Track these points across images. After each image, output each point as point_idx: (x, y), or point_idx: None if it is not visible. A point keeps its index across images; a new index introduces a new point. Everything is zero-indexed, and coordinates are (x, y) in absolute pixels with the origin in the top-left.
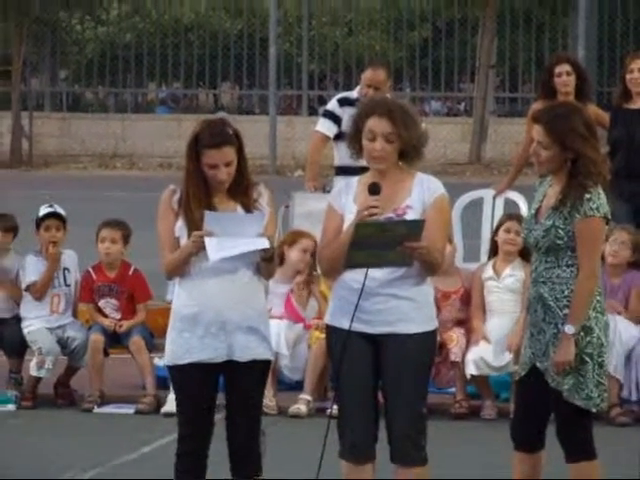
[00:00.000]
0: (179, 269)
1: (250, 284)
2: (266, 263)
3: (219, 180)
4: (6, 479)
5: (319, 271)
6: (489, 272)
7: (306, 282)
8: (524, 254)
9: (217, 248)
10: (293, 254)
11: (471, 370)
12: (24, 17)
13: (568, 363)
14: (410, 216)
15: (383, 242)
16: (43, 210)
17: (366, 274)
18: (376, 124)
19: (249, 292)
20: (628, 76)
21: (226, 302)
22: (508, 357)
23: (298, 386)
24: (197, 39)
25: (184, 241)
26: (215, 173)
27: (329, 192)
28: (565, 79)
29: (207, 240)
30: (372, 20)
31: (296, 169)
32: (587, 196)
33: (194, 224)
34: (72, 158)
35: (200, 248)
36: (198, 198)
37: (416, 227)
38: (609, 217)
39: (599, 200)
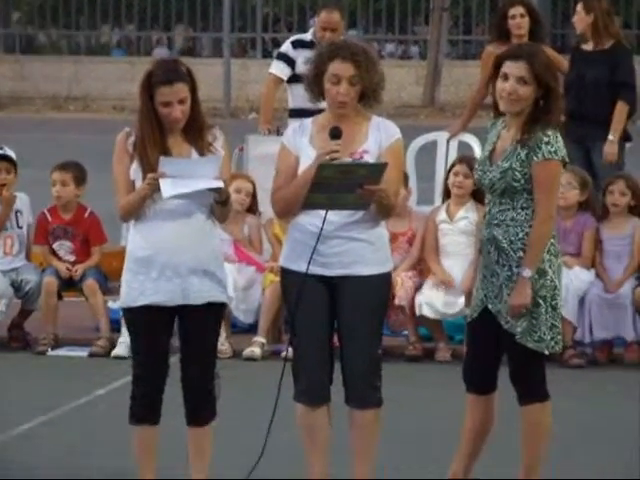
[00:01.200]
0: (134, 211)
1: (204, 227)
2: (220, 206)
3: (173, 118)
4: None
5: (272, 213)
6: (442, 215)
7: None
8: (478, 196)
9: (171, 187)
10: None
11: (424, 311)
12: None
13: (524, 306)
14: (366, 159)
15: (344, 185)
16: None
17: (325, 217)
18: (340, 67)
19: (203, 235)
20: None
21: (180, 245)
22: (461, 301)
23: (252, 329)
24: None
25: (139, 184)
26: (169, 111)
27: (282, 134)
28: (519, 21)
29: (161, 181)
30: None
31: (250, 112)
32: (545, 139)
33: (149, 167)
34: (25, 100)
35: (154, 190)
36: (153, 140)
37: (377, 171)
38: (567, 160)
39: (557, 143)
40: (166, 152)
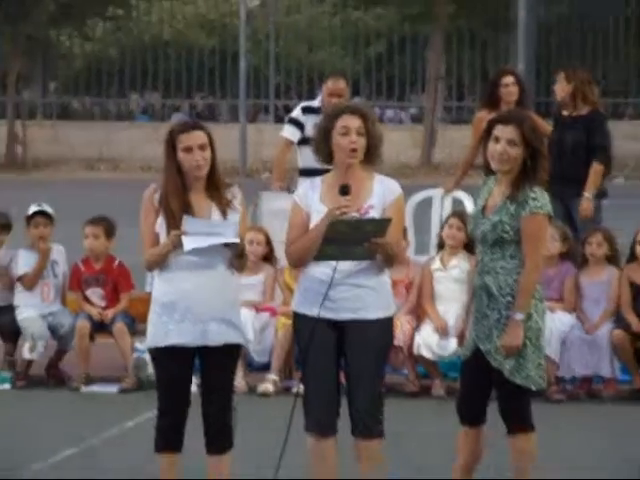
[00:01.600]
0: (158, 263)
1: (223, 277)
2: (237, 258)
3: (196, 164)
4: None
5: (283, 263)
6: (437, 264)
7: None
8: (469, 247)
9: (192, 242)
10: None
11: (421, 352)
12: (17, 35)
13: (517, 346)
14: (372, 214)
15: (353, 238)
16: (32, 208)
17: (335, 267)
18: (348, 120)
19: (222, 285)
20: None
21: (201, 295)
22: (454, 342)
23: (265, 368)
24: (174, 54)
25: (163, 236)
26: (191, 157)
27: (293, 192)
28: (511, 89)
29: (183, 238)
30: (332, 37)
31: (264, 171)
32: (532, 195)
33: (173, 221)
34: (61, 162)
35: (177, 245)
36: (176, 195)
37: (383, 225)
38: (552, 214)
39: (543, 199)
40: (188, 207)
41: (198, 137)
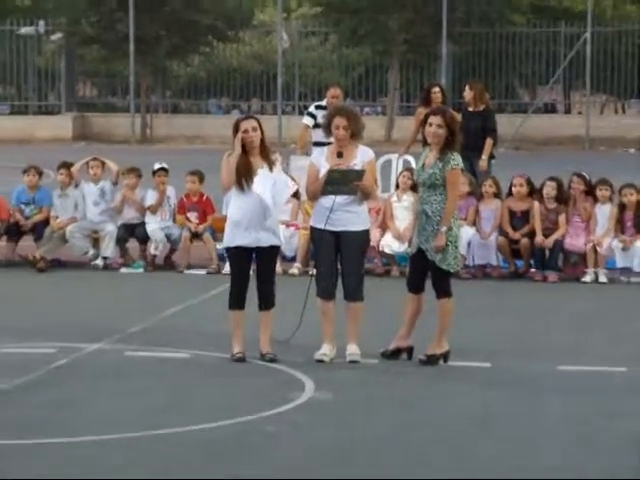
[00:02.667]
0: (229, 182)
1: (269, 205)
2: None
3: (250, 139)
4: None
5: (303, 198)
6: (394, 198)
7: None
8: (414, 188)
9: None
10: None
11: (385, 249)
12: (147, 64)
13: (442, 247)
14: (355, 168)
15: (343, 181)
16: (156, 165)
17: (334, 199)
18: (338, 121)
19: (269, 209)
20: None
21: (256, 214)
22: (405, 245)
23: (292, 259)
24: (240, 75)
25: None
26: (247, 135)
27: (309, 156)
28: (437, 95)
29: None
30: (332, 65)
31: (292, 144)
32: (452, 157)
33: (242, 169)
34: (173, 138)
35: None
36: (244, 155)
37: (360, 174)
38: (463, 168)
39: (458, 160)
40: (248, 164)
41: (251, 123)
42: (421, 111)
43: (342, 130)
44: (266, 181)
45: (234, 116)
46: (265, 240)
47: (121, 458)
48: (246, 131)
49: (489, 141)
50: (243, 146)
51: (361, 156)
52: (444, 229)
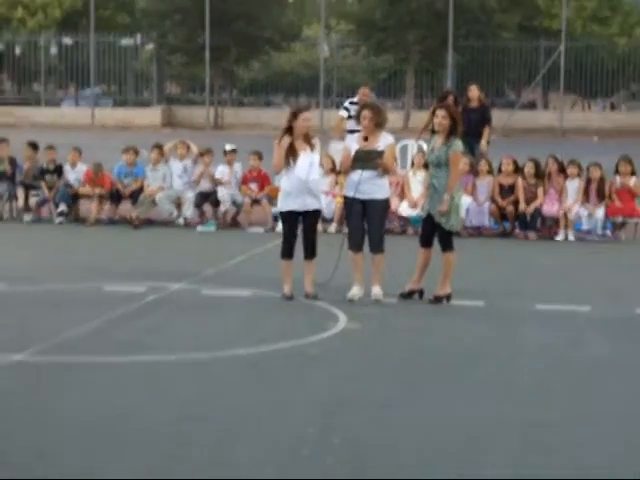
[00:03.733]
0: (279, 164)
1: (315, 177)
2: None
3: (307, 127)
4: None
5: (340, 172)
6: (410, 173)
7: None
8: (425, 166)
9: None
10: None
11: (402, 213)
12: (218, 68)
13: (446, 211)
14: (379, 149)
15: (368, 159)
16: (227, 147)
17: (362, 173)
18: (365, 113)
19: (314, 180)
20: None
21: (303, 185)
22: (418, 209)
23: (330, 220)
24: (291, 78)
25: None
26: (306, 124)
27: (343, 140)
28: (451, 99)
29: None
30: (362, 70)
31: (330, 131)
32: (455, 142)
33: (289, 150)
34: (239, 126)
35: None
36: (291, 139)
37: (381, 153)
38: (464, 152)
39: (459, 144)
40: (294, 147)
41: (309, 114)
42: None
43: (368, 120)
44: (305, 160)
45: (285, 109)
46: (310, 205)
47: (195, 373)
48: (305, 119)
49: (487, 129)
50: (291, 130)
51: (383, 140)
52: (447, 197)
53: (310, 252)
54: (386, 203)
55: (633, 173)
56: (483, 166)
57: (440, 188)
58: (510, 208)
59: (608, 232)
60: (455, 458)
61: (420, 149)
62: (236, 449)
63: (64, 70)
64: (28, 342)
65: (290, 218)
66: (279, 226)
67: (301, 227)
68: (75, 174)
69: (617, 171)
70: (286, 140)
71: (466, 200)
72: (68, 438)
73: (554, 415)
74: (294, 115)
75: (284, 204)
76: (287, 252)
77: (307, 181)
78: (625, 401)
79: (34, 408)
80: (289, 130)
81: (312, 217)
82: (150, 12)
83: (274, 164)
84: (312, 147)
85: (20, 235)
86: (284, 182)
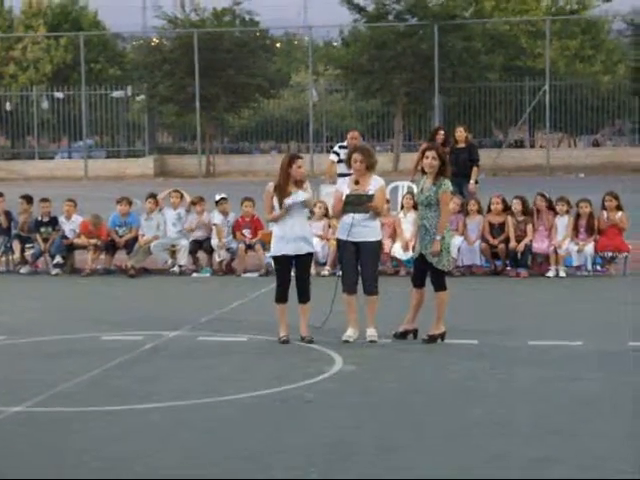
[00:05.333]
0: (276, 221)
1: (305, 221)
2: (310, 213)
3: (300, 173)
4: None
5: (332, 216)
6: (401, 214)
7: (328, 224)
8: (415, 207)
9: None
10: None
11: (396, 254)
12: (209, 117)
13: (438, 252)
14: (370, 192)
15: (358, 202)
16: (217, 196)
17: (353, 216)
18: (356, 156)
19: (305, 224)
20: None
21: (295, 229)
22: (410, 251)
23: (324, 263)
24: (278, 124)
25: (277, 205)
26: (301, 171)
27: (334, 184)
28: (441, 136)
29: (285, 202)
30: (351, 114)
31: (321, 175)
32: (443, 182)
33: (281, 196)
34: (230, 173)
35: (284, 214)
36: (284, 185)
37: (371, 197)
38: (453, 192)
39: (448, 184)
40: (286, 193)
41: (301, 161)
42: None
43: (359, 163)
44: (297, 197)
45: (275, 155)
46: (302, 248)
47: (193, 419)
48: (300, 167)
49: (475, 169)
50: (287, 177)
51: (374, 183)
52: (439, 238)
53: (304, 296)
54: (379, 245)
55: (619, 208)
56: (473, 205)
57: (431, 228)
58: (501, 246)
59: (598, 267)
60: None
61: (409, 190)
62: None
63: (57, 123)
64: (26, 393)
65: (283, 262)
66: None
67: (294, 271)
68: (70, 225)
69: (604, 206)
70: (271, 185)
71: (457, 239)
72: None
73: (553, 451)
74: (289, 162)
75: (277, 249)
76: (281, 296)
77: (291, 204)
78: (622, 436)
79: (33, 458)
80: (285, 177)
81: (305, 261)
82: (139, 64)
83: (265, 212)
84: (304, 190)
85: (17, 287)
86: (277, 227)
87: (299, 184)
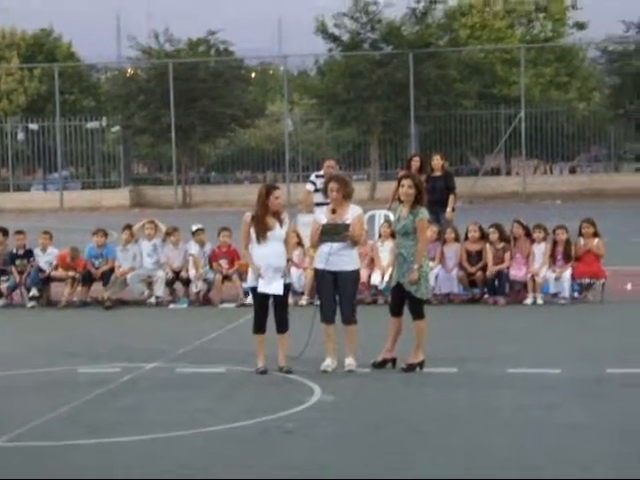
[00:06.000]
0: (246, 244)
1: (282, 253)
2: (286, 244)
3: (279, 205)
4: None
5: (307, 245)
6: (379, 243)
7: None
8: (392, 235)
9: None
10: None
11: (373, 282)
12: (186, 147)
13: (415, 280)
14: (346, 222)
15: (335, 232)
16: (193, 227)
17: (332, 245)
18: (332, 185)
19: (281, 257)
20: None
21: (270, 261)
22: (387, 279)
23: (302, 293)
24: (256, 153)
25: (254, 236)
26: (278, 202)
27: (311, 213)
28: (416, 163)
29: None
30: (327, 143)
31: (298, 204)
32: (420, 211)
33: (258, 227)
34: (206, 203)
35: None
36: (261, 216)
37: (347, 226)
38: (430, 220)
39: (425, 213)
40: (266, 222)
41: (279, 192)
42: (400, 175)
43: (335, 192)
44: (276, 247)
45: (251, 185)
46: (279, 280)
47: (171, 452)
48: (277, 197)
49: (452, 197)
50: (265, 208)
51: (351, 212)
52: (416, 266)
53: (282, 326)
54: (357, 274)
55: (596, 235)
56: (450, 233)
57: (408, 257)
58: (478, 274)
59: (576, 294)
60: None
61: (387, 219)
62: None
63: (31, 155)
64: (2, 429)
65: (260, 294)
66: (249, 299)
67: (271, 301)
68: (46, 258)
69: (580, 233)
70: (248, 215)
71: (435, 268)
72: None
73: (533, 476)
74: (266, 193)
75: (253, 279)
76: (259, 327)
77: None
78: (602, 462)
79: None
80: (263, 208)
81: (284, 292)
82: (114, 95)
83: (241, 254)
84: (281, 222)
85: None
86: (256, 258)
87: (276, 215)
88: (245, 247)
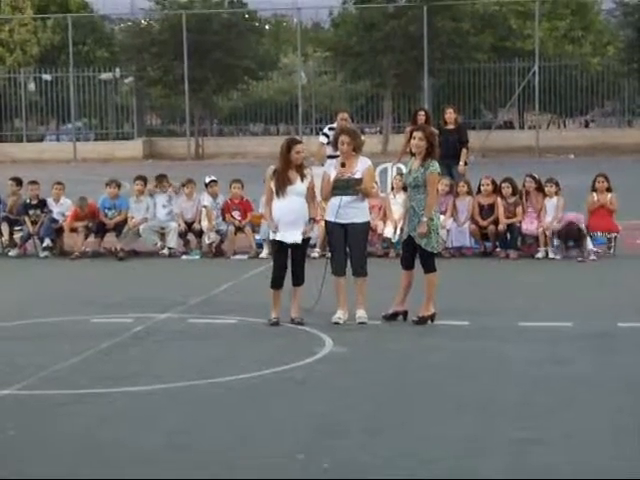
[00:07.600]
0: (269, 196)
1: (302, 205)
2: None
3: (300, 159)
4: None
5: (319, 199)
6: (391, 196)
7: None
8: (404, 188)
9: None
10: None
11: (385, 235)
12: (197, 99)
13: (425, 233)
14: (356, 175)
15: (346, 185)
16: (207, 178)
17: (341, 198)
18: (343, 138)
19: (301, 209)
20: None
21: (289, 214)
22: (399, 232)
23: (314, 246)
24: (270, 105)
25: (274, 189)
26: (300, 155)
27: (323, 165)
28: (422, 118)
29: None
30: (340, 96)
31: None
32: (431, 164)
33: (280, 181)
34: (219, 155)
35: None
36: (283, 170)
37: (359, 180)
38: (441, 173)
39: (436, 166)
40: (288, 175)
41: (301, 146)
42: (408, 129)
43: (346, 145)
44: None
45: (266, 137)
46: (298, 235)
47: (182, 401)
48: (298, 152)
49: (465, 150)
50: (287, 161)
51: (361, 164)
52: (425, 219)
53: (298, 279)
54: (367, 226)
55: (609, 189)
56: (462, 187)
57: (419, 210)
58: (490, 228)
59: (595, 248)
60: None
61: (399, 172)
62: (224, 477)
63: (44, 106)
64: (15, 377)
65: (281, 247)
66: (263, 253)
67: (289, 254)
68: (59, 208)
69: (594, 188)
70: (271, 169)
71: (447, 221)
72: (58, 464)
73: (542, 432)
74: (287, 147)
75: (268, 233)
76: (277, 282)
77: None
78: (611, 415)
79: (22, 440)
80: (285, 162)
81: (302, 245)
82: (127, 46)
83: (264, 207)
84: (303, 177)
85: (6, 270)
86: (274, 211)
87: (299, 169)
88: (268, 202)
